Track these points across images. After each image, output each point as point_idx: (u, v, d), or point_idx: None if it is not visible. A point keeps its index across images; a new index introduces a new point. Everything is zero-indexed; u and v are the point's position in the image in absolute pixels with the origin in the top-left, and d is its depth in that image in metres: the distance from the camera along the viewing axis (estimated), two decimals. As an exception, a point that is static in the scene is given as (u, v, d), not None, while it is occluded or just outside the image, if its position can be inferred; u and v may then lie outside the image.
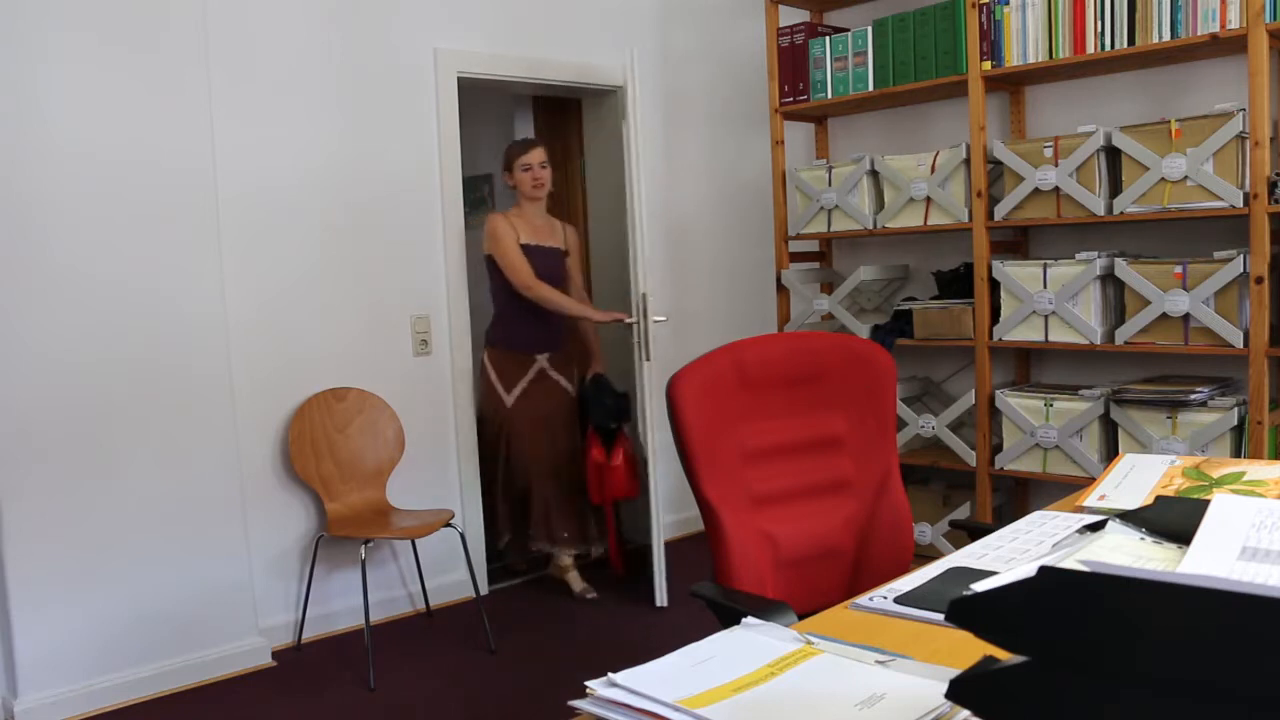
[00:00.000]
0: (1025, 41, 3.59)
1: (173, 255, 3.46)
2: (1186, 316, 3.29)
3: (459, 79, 4.24)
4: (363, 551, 3.66)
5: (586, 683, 1.08)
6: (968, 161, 3.76)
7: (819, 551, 2.20)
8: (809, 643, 1.18)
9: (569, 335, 4.28)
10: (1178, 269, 3.29)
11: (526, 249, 4.04)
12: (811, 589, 2.19)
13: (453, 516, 3.80)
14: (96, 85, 3.29)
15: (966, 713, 0.95)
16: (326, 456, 3.80)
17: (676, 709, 1.02)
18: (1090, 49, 3.44)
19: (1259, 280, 3.14)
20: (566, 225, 4.30)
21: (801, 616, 2.12)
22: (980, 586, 1.30)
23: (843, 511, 2.23)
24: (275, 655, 3.72)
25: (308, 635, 3.87)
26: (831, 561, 2.22)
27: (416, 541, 4.12)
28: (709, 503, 2.03)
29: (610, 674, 1.09)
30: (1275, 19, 3.07)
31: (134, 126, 3.36)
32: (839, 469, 2.24)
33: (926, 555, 3.66)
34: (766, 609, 1.64)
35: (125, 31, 3.33)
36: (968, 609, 0.77)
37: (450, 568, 4.20)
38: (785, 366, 2.19)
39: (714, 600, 1.80)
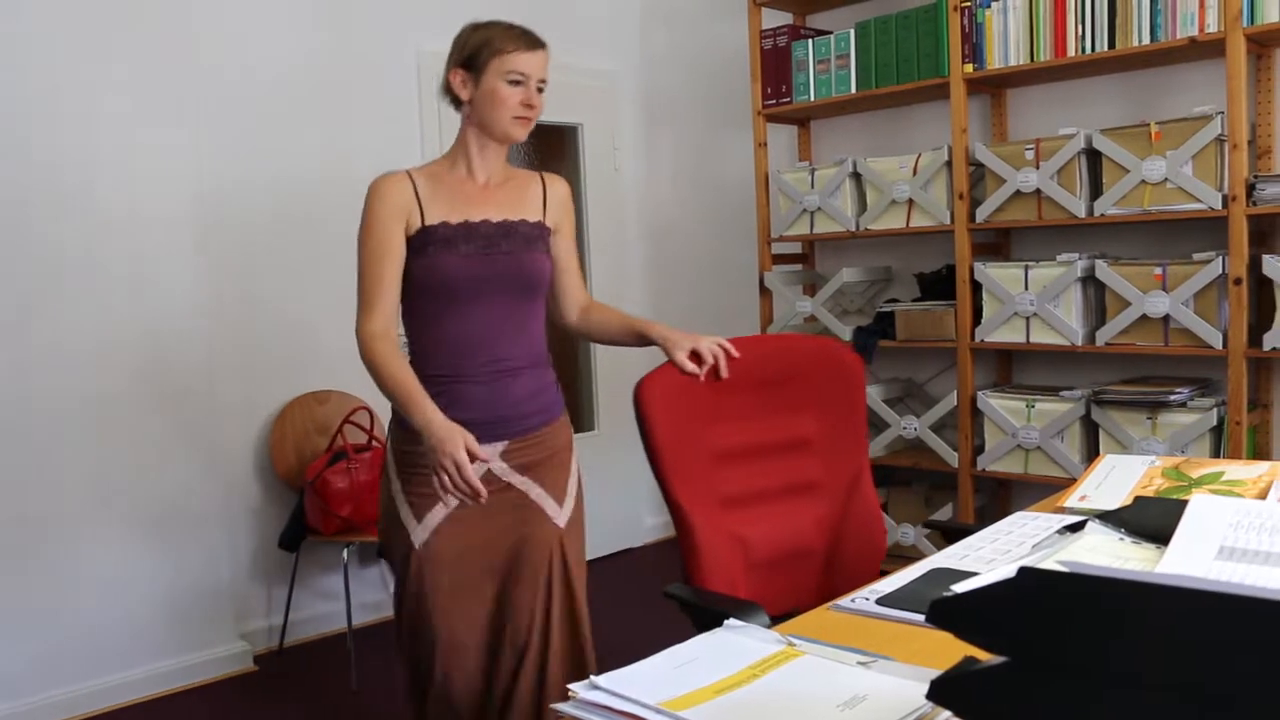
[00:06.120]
0: (1007, 44, 3.61)
1: (153, 258, 3.43)
2: (1166, 318, 3.31)
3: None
4: (345, 555, 3.64)
5: (569, 685, 1.08)
6: (949, 164, 3.78)
7: (790, 552, 2.22)
8: (791, 644, 1.19)
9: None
10: (1157, 270, 3.31)
11: (444, 234, 2.10)
12: (783, 589, 2.21)
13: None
14: (75, 86, 3.26)
15: (948, 713, 0.95)
16: (309, 459, 3.78)
17: (659, 711, 1.02)
18: (1071, 52, 3.46)
19: (1237, 282, 3.17)
20: (549, 177, 2.32)
21: (775, 617, 2.15)
22: (960, 587, 1.31)
23: (814, 512, 2.24)
24: (257, 660, 3.70)
25: (290, 639, 3.85)
26: (803, 562, 2.24)
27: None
28: (679, 505, 2.05)
29: (592, 676, 1.09)
30: (1252, 23, 3.10)
31: (114, 129, 3.34)
32: (809, 470, 2.26)
33: (908, 556, 3.67)
34: (738, 609, 1.66)
35: (107, 32, 3.31)
36: (948, 610, 0.78)
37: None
38: (754, 369, 2.20)
39: (685, 600, 1.82)
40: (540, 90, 2.13)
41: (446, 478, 1.94)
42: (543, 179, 2.28)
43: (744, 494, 2.18)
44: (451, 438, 1.95)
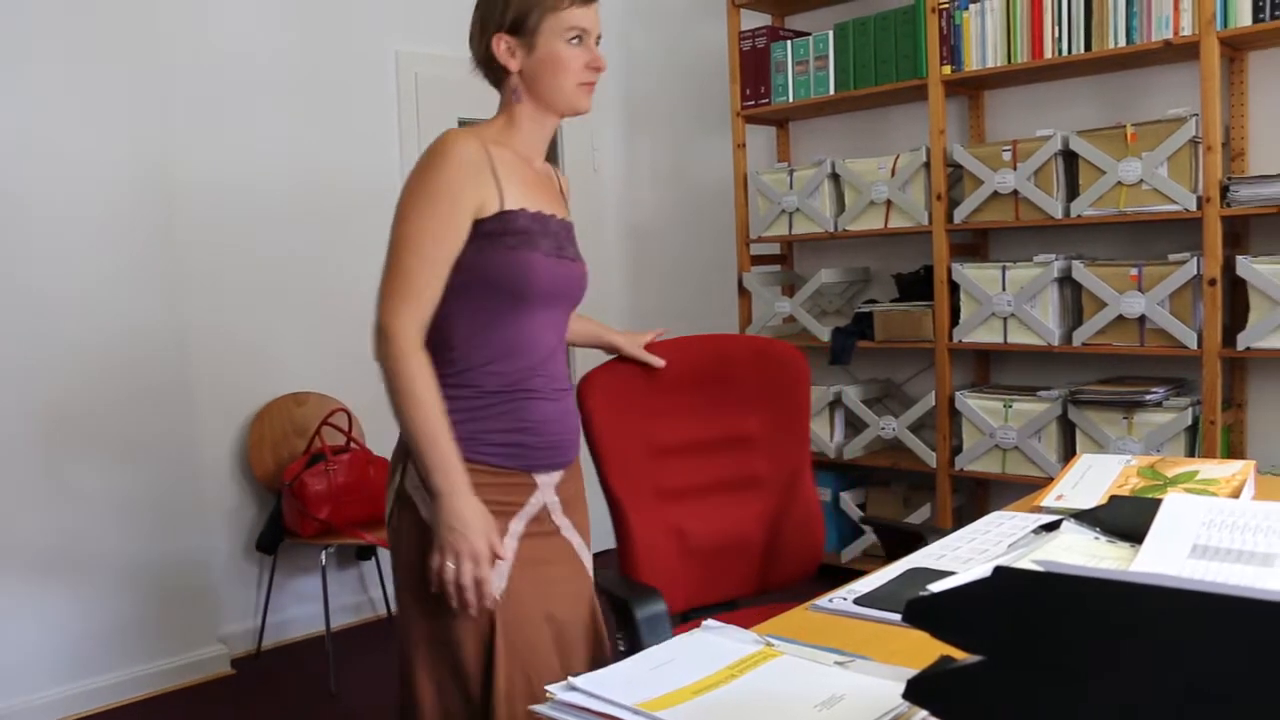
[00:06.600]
0: (984, 46, 3.62)
1: (128, 259, 3.41)
2: (1142, 318, 3.34)
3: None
4: (323, 557, 3.63)
5: (546, 686, 1.08)
6: (928, 165, 3.79)
7: (727, 544, 2.29)
8: (769, 644, 1.19)
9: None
10: (1133, 271, 3.34)
11: (525, 225, 1.72)
12: (720, 581, 2.30)
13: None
14: (50, 88, 3.23)
15: (924, 713, 0.95)
16: (287, 461, 3.76)
17: (636, 712, 1.02)
18: (1048, 53, 3.48)
19: (1212, 282, 3.19)
20: (556, 169, 1.98)
21: (713, 607, 2.24)
22: (937, 587, 1.31)
23: (752, 506, 2.32)
24: (234, 663, 3.67)
25: (267, 642, 3.83)
26: (740, 555, 2.31)
27: (378, 547, 4.09)
28: (615, 498, 2.15)
29: (570, 677, 1.08)
30: (1225, 27, 3.12)
31: (90, 130, 3.31)
32: (750, 465, 2.33)
33: (886, 557, 3.68)
34: (638, 594, 1.83)
35: (80, 35, 3.28)
36: (924, 609, 0.78)
37: (412, 572, 4.18)
38: (698, 367, 2.28)
39: (600, 588, 1.91)
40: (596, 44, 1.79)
41: (452, 571, 1.59)
42: (554, 171, 1.96)
43: (683, 487, 2.26)
44: (482, 525, 1.61)
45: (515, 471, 1.72)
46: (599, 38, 1.78)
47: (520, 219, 1.69)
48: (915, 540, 2.04)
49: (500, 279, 1.68)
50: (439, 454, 1.61)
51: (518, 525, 1.72)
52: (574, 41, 1.72)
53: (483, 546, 1.60)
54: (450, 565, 1.59)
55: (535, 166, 1.81)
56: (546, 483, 1.76)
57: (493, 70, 1.77)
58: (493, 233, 1.67)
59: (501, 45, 1.73)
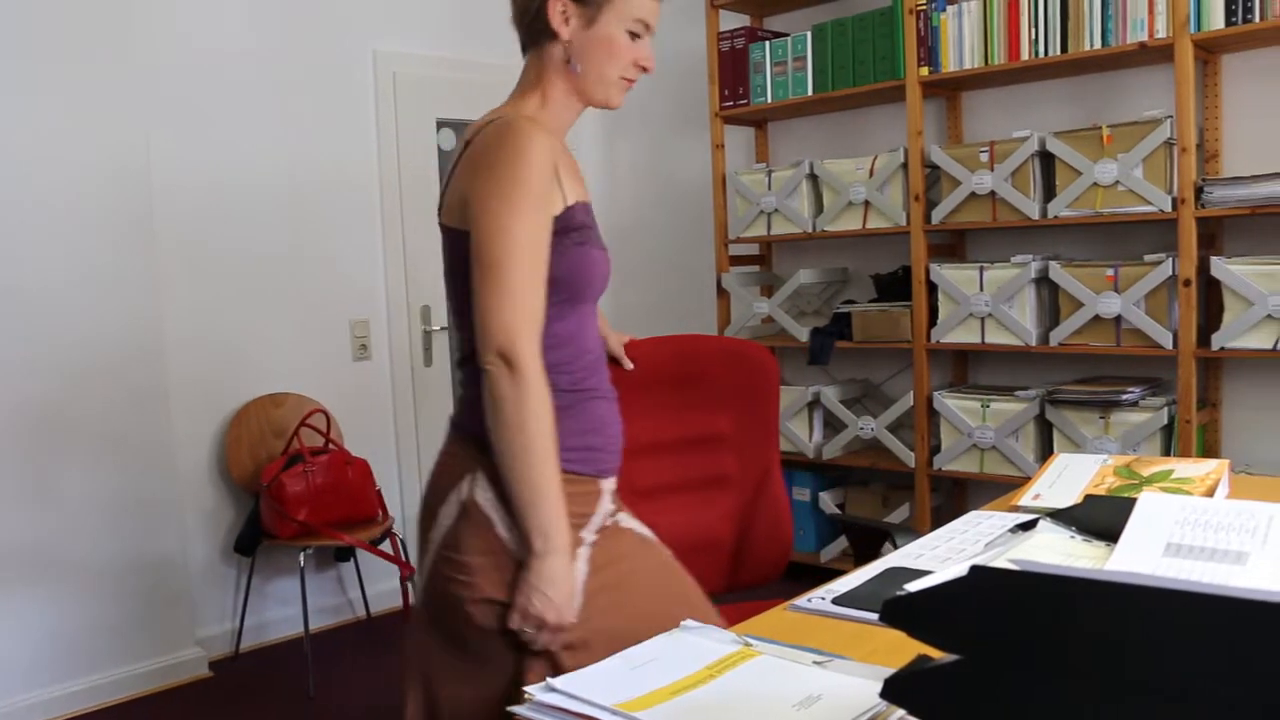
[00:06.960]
0: (961, 47, 3.64)
1: (105, 259, 3.38)
2: (1118, 318, 3.36)
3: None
4: (301, 559, 3.61)
5: (525, 688, 1.08)
6: (905, 165, 3.81)
7: (696, 543, 2.31)
8: (747, 644, 1.19)
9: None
10: (1109, 272, 3.36)
11: (583, 219, 1.61)
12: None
13: (392, 523, 3.77)
14: (26, 87, 3.21)
15: (902, 712, 0.96)
16: (265, 462, 3.74)
17: (615, 713, 1.02)
18: (1025, 55, 3.50)
19: (1187, 283, 3.22)
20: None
21: None
22: (914, 586, 1.32)
23: (721, 506, 2.34)
24: (213, 666, 3.66)
25: (246, 644, 3.81)
26: (709, 554, 2.33)
27: (357, 548, 4.08)
28: None
29: (549, 678, 1.08)
30: (1199, 30, 3.15)
31: (66, 130, 3.29)
32: (720, 465, 2.34)
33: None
34: None
35: (55, 32, 3.26)
36: (900, 609, 0.78)
37: (390, 574, 4.16)
38: (668, 367, 2.29)
39: None
40: None
41: (530, 631, 1.48)
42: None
43: (652, 486, 2.27)
44: (571, 591, 1.50)
45: (587, 479, 1.60)
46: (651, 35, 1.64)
47: (578, 214, 1.58)
48: (883, 538, 2.06)
49: (565, 276, 1.55)
50: (548, 512, 1.47)
51: (590, 536, 1.60)
52: (633, 33, 1.59)
53: (567, 618, 1.49)
54: (529, 631, 1.48)
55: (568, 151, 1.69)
56: (607, 489, 1.65)
57: (534, 31, 1.60)
58: (559, 230, 1.54)
59: (558, 7, 1.56)
